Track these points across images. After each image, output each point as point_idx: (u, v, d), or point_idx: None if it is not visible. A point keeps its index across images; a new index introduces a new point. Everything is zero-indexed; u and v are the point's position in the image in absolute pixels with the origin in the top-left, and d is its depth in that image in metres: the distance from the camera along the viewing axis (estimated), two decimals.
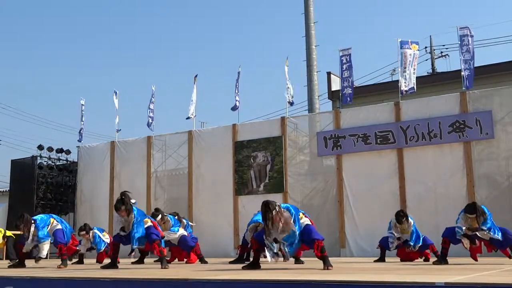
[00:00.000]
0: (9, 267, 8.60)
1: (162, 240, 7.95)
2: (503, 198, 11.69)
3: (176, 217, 10.15)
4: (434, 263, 7.76)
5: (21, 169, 17.43)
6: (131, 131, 50.70)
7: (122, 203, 7.28)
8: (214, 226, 14.44)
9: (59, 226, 8.83)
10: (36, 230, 8.50)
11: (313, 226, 6.50)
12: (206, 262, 9.53)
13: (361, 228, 13.02)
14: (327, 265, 6.04)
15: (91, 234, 10.66)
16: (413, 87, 12.97)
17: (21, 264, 8.59)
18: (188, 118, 15.82)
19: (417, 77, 13.30)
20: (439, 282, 3.68)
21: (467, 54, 12.58)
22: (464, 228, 7.56)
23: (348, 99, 13.95)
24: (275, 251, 6.20)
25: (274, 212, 6.12)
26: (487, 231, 7.45)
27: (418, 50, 13.43)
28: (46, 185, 17.09)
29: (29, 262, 9.08)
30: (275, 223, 6.14)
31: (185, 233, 9.87)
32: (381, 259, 9.32)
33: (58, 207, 17.13)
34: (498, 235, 7.47)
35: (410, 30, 73.04)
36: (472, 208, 7.60)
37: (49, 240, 8.61)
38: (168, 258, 9.33)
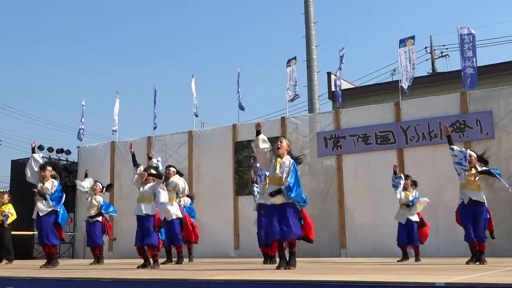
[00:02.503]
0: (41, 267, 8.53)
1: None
2: (504, 198, 11.67)
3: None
4: (466, 263, 7.68)
5: (21, 169, 17.35)
6: (131, 131, 50.76)
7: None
8: (214, 226, 14.43)
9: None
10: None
11: (293, 215, 6.35)
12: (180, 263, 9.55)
13: (361, 228, 13.01)
14: (291, 265, 6.17)
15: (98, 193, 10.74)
16: (408, 86, 12.90)
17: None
18: (196, 116, 15.91)
19: (417, 77, 13.29)
20: (439, 282, 3.67)
21: (468, 52, 12.54)
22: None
23: (340, 98, 14.01)
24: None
25: (287, 141, 6.60)
26: (497, 175, 7.85)
27: (413, 44, 13.29)
28: None
29: (29, 262, 9.07)
30: (282, 149, 6.48)
31: (180, 215, 9.69)
32: (404, 257, 9.33)
33: None
34: (505, 182, 7.91)
35: (410, 30, 73.13)
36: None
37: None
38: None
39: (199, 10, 69.05)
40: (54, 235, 8.53)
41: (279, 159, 6.43)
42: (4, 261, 12.09)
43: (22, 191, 16.57)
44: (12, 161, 18.04)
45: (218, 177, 15.04)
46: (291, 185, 6.26)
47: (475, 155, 8.20)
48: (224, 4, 67.92)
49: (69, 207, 17.27)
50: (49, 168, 8.76)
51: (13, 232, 13.50)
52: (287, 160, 6.44)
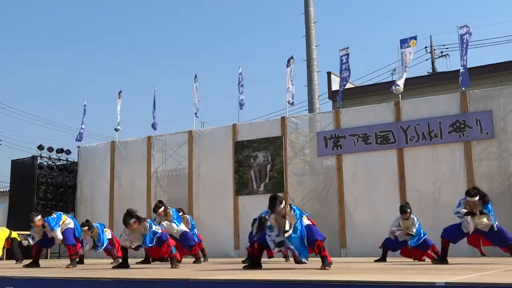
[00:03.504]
0: (25, 266, 8.74)
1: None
2: (503, 198, 11.68)
3: (180, 214, 10.20)
4: (433, 262, 7.78)
5: (21, 169, 17.43)
6: (131, 131, 50.75)
7: (131, 216, 7.43)
8: (214, 226, 14.43)
9: (71, 225, 9.25)
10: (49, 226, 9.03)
11: (314, 227, 6.56)
12: (199, 262, 9.51)
13: (361, 228, 13.01)
14: (324, 265, 6.08)
15: (94, 231, 10.65)
16: (398, 84, 12.92)
17: (35, 264, 8.79)
18: (196, 114, 15.93)
19: (417, 77, 13.29)
20: (439, 282, 3.67)
21: (464, 52, 12.57)
22: (463, 210, 7.61)
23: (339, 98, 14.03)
24: (273, 247, 6.39)
25: (281, 205, 6.28)
26: (487, 216, 7.49)
27: (416, 44, 13.33)
28: (46, 185, 17.09)
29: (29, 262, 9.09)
30: (279, 217, 6.31)
31: (187, 230, 9.85)
32: (382, 259, 9.33)
33: (59, 207, 17.10)
34: (495, 223, 7.50)
35: (410, 30, 73.16)
36: (473, 191, 7.69)
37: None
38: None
39: (198, 10, 69.10)
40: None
41: (283, 221, 6.36)
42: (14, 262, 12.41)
43: (22, 191, 16.62)
44: (12, 161, 18.03)
45: (218, 177, 15.04)
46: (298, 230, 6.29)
47: (470, 199, 7.65)
48: (224, 4, 67.96)
49: (69, 207, 17.32)
50: (36, 218, 8.99)
51: (18, 233, 13.67)
52: (291, 217, 6.35)
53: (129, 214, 7.44)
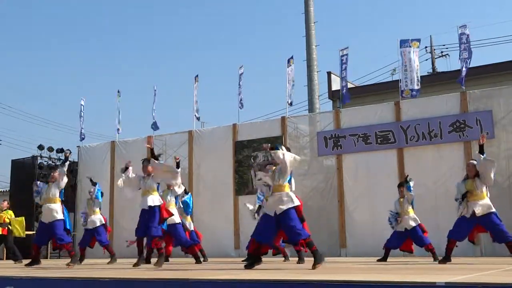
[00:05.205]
0: (26, 265, 8.75)
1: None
2: (503, 198, 11.67)
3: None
4: (439, 262, 7.80)
5: (22, 169, 17.40)
6: (131, 131, 50.75)
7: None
8: (214, 226, 14.43)
9: (62, 216, 9.11)
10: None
11: (299, 223, 6.48)
12: (200, 262, 9.47)
13: (361, 228, 13.01)
14: (316, 262, 6.10)
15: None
16: (418, 89, 12.92)
17: (36, 262, 8.74)
18: (198, 118, 16.01)
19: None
20: (440, 282, 3.67)
21: (464, 53, 12.58)
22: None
23: (346, 98, 13.97)
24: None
25: (283, 150, 6.75)
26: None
27: (419, 47, 13.37)
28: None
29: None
30: (277, 160, 6.77)
31: (178, 220, 9.68)
32: (384, 259, 9.37)
33: None
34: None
35: (410, 30, 73.14)
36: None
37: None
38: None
39: (198, 10, 69.09)
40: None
41: (275, 167, 6.53)
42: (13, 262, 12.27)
43: (22, 191, 16.61)
44: (12, 161, 18.02)
45: (218, 177, 15.03)
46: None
47: (473, 162, 8.00)
48: (224, 4, 67.95)
49: (69, 206, 17.29)
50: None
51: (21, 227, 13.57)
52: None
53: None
